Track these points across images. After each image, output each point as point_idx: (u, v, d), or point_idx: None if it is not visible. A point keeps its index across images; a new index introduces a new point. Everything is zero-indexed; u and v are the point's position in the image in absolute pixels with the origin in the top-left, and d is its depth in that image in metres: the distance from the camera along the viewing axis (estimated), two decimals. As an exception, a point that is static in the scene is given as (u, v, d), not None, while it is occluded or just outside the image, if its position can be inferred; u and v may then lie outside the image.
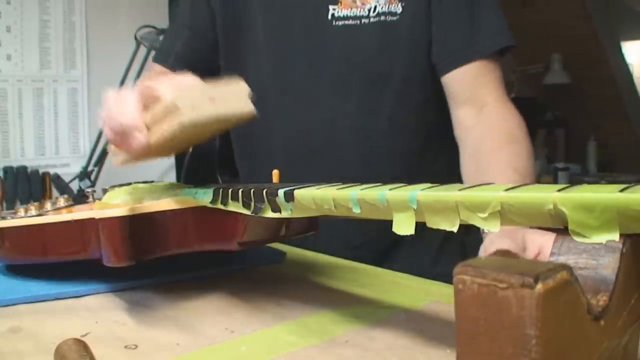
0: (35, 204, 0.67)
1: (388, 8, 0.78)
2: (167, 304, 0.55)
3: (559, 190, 0.28)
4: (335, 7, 0.80)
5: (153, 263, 0.53)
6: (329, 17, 0.79)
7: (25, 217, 0.63)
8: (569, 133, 3.46)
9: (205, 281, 0.62)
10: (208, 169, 2.32)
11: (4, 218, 0.64)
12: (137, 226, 0.50)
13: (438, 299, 0.55)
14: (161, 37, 2.12)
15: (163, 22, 2.31)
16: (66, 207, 0.67)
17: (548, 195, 0.28)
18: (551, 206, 0.28)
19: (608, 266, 0.27)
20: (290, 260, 0.71)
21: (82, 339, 0.41)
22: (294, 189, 0.43)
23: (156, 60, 0.94)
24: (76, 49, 2.31)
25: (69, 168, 2.26)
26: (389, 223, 0.36)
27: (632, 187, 0.27)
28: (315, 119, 0.82)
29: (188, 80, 0.53)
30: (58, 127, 2.30)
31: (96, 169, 2.09)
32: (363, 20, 0.79)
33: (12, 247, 0.62)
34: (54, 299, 0.57)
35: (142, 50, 2.08)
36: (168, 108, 0.48)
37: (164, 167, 2.41)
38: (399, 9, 0.78)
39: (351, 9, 0.79)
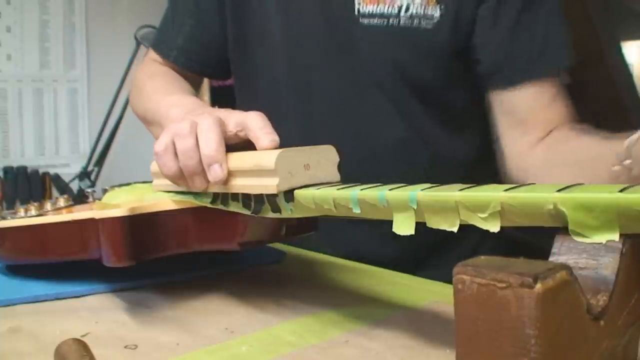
0: (35, 204, 0.67)
1: (424, 10, 0.68)
2: (167, 304, 0.55)
3: (559, 190, 0.28)
4: (360, 1, 0.70)
5: (153, 263, 0.53)
6: (356, 12, 0.70)
7: (25, 217, 0.63)
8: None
9: (205, 281, 0.62)
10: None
11: (4, 218, 0.65)
12: (137, 226, 0.50)
13: (438, 299, 0.55)
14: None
15: (163, 22, 2.30)
16: (66, 207, 0.67)
17: (548, 195, 0.28)
18: (551, 206, 0.28)
19: (608, 266, 0.27)
20: (290, 260, 0.71)
21: (82, 339, 0.41)
22: (294, 189, 0.43)
23: (156, 49, 0.87)
24: (76, 49, 2.31)
25: (69, 168, 2.26)
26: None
27: (632, 187, 0.27)
28: (343, 127, 0.73)
29: (269, 139, 0.47)
30: (58, 127, 2.30)
31: (96, 169, 2.09)
32: (392, 21, 0.69)
33: (12, 247, 0.62)
34: (54, 299, 0.57)
35: (142, 50, 2.08)
36: (263, 168, 0.45)
37: (164, 167, 2.41)
38: (437, 12, 0.68)
39: (378, 4, 0.69)
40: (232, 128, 0.49)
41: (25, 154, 2.24)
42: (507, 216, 0.30)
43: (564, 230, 0.28)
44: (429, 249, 0.78)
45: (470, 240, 0.77)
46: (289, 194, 0.43)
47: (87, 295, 0.58)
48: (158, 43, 0.87)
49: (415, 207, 0.34)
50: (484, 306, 0.23)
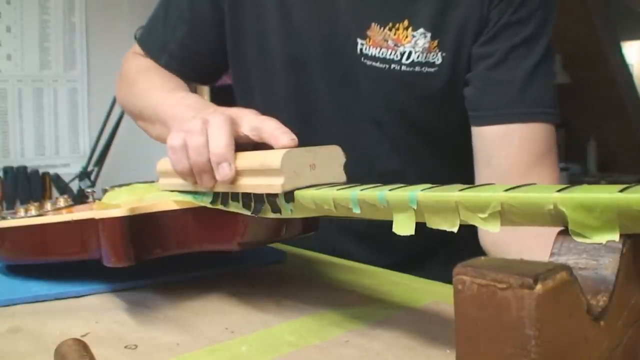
0: (35, 204, 0.67)
1: (425, 58, 0.67)
2: (167, 304, 0.55)
3: (559, 191, 0.28)
4: (363, 42, 0.69)
5: (153, 263, 0.53)
6: (358, 51, 0.70)
7: (25, 217, 0.63)
8: (569, 133, 3.46)
9: (205, 281, 0.62)
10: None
11: (4, 218, 0.64)
12: (137, 226, 0.50)
13: (438, 299, 0.55)
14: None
15: (163, 22, 2.30)
16: (66, 207, 0.67)
17: (548, 195, 0.28)
18: (551, 206, 0.28)
19: (608, 266, 0.27)
20: (290, 260, 0.71)
21: (82, 339, 0.41)
22: (294, 190, 0.43)
23: (146, 49, 0.83)
24: (76, 49, 2.31)
25: (69, 168, 2.26)
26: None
27: (632, 187, 0.27)
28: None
29: (288, 137, 0.47)
30: (58, 127, 2.30)
31: (96, 169, 2.09)
32: (393, 66, 0.68)
33: (12, 247, 0.62)
34: (54, 299, 0.57)
35: (142, 50, 2.08)
36: (269, 167, 0.44)
37: (164, 167, 2.41)
38: (439, 60, 0.68)
39: (381, 48, 0.68)
40: (245, 128, 0.49)
41: (25, 154, 2.24)
42: (507, 216, 0.30)
43: (564, 230, 0.28)
44: (422, 256, 0.78)
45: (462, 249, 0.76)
46: (289, 194, 0.43)
47: (87, 295, 0.58)
48: (148, 42, 0.84)
49: (415, 208, 0.34)
50: (484, 307, 0.23)
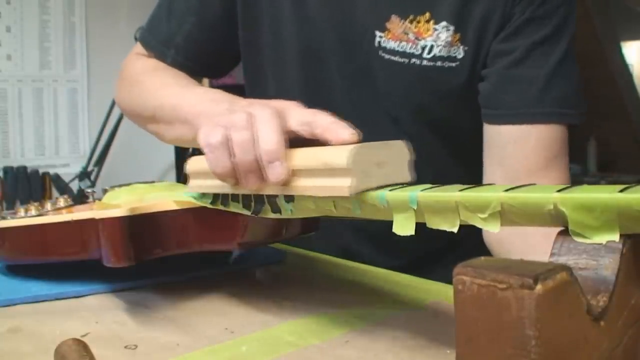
0: (35, 204, 0.67)
1: (448, 52, 0.65)
2: (167, 304, 0.55)
3: (559, 191, 0.28)
4: (382, 34, 0.67)
5: (153, 263, 0.53)
6: (376, 44, 0.67)
7: (25, 217, 0.63)
8: (569, 133, 3.46)
9: (205, 281, 0.62)
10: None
11: (4, 218, 0.64)
12: (137, 226, 0.50)
13: (438, 299, 0.55)
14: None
15: (163, 22, 2.30)
16: (66, 207, 0.67)
17: (548, 195, 0.28)
18: (551, 206, 0.28)
19: (608, 266, 0.27)
20: (290, 260, 0.71)
21: (82, 339, 0.41)
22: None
23: (149, 48, 0.79)
24: (76, 49, 2.31)
25: (69, 168, 2.26)
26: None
27: (632, 187, 0.27)
28: None
29: (349, 132, 0.42)
30: (58, 127, 2.30)
31: (96, 169, 2.09)
32: (414, 61, 0.66)
33: (12, 247, 0.62)
34: (54, 299, 0.57)
35: (142, 50, 2.08)
36: (333, 166, 0.39)
37: (164, 167, 2.42)
38: (460, 54, 0.66)
39: (400, 42, 0.66)
40: (292, 123, 0.44)
41: (25, 154, 2.24)
42: (507, 216, 0.30)
43: (564, 230, 0.28)
44: (432, 257, 0.77)
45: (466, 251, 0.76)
46: (289, 195, 0.43)
47: (87, 295, 0.58)
48: (151, 40, 0.80)
49: (415, 208, 0.34)
50: (484, 307, 0.23)
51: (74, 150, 2.32)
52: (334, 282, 0.63)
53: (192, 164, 0.50)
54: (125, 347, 0.45)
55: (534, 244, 0.51)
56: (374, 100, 0.70)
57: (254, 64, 0.78)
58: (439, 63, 0.66)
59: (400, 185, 0.38)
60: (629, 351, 0.28)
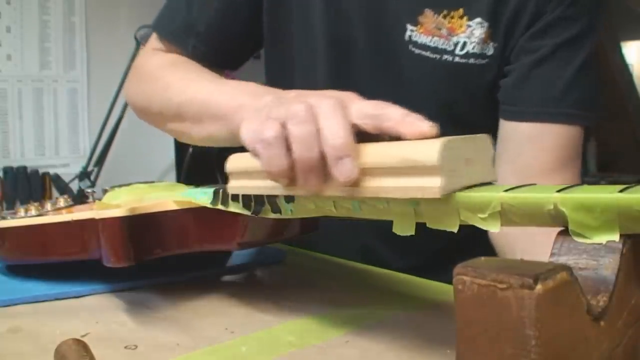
0: (35, 204, 0.67)
1: (481, 49, 0.64)
2: (167, 304, 0.55)
3: (559, 191, 0.28)
4: (413, 28, 0.65)
5: (153, 263, 0.53)
6: (406, 37, 0.65)
7: (25, 217, 0.63)
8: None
9: (205, 281, 0.62)
10: (208, 169, 2.32)
11: (4, 218, 0.64)
12: (137, 226, 0.50)
13: (439, 298, 0.55)
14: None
15: (163, 22, 2.30)
16: (66, 207, 0.67)
17: (548, 195, 0.28)
18: (551, 206, 0.28)
19: (608, 266, 0.27)
20: (290, 260, 0.71)
21: (82, 339, 0.41)
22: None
23: (168, 37, 0.74)
24: (76, 49, 2.31)
25: (69, 168, 2.26)
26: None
27: (632, 187, 0.27)
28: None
29: (427, 124, 0.37)
30: (58, 127, 2.30)
31: (96, 169, 2.09)
32: (445, 57, 0.65)
33: (12, 247, 0.62)
34: (54, 299, 0.57)
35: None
36: (417, 164, 0.33)
37: (164, 167, 2.42)
38: (490, 50, 0.65)
39: (433, 37, 0.64)
40: (355, 116, 0.40)
41: (25, 154, 2.24)
42: (507, 216, 0.30)
43: (564, 230, 0.28)
44: (448, 258, 0.77)
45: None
46: (289, 195, 0.43)
47: (87, 295, 0.58)
48: (169, 30, 0.74)
49: (415, 208, 0.34)
50: (484, 307, 0.23)
51: (74, 150, 2.33)
52: (334, 282, 0.63)
53: (234, 162, 0.45)
54: (125, 347, 0.45)
55: (539, 242, 0.50)
56: (400, 93, 0.68)
57: (279, 53, 0.75)
58: (471, 60, 0.65)
59: (487, 184, 0.34)
60: (629, 351, 0.28)
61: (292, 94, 0.46)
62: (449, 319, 0.25)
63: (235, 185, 0.46)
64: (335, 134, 0.37)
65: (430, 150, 0.33)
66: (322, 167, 0.38)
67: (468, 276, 0.24)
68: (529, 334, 0.22)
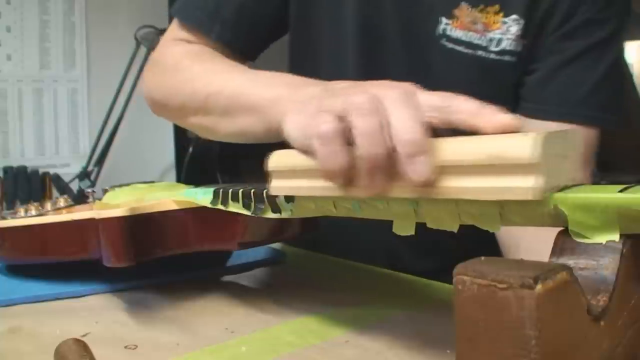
0: (35, 204, 0.67)
1: (515, 46, 0.63)
2: (167, 304, 0.55)
3: (559, 191, 0.28)
4: (448, 22, 0.64)
5: (153, 263, 0.53)
6: (439, 31, 0.64)
7: (25, 217, 0.63)
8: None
9: (205, 281, 0.62)
10: (208, 169, 2.32)
11: (4, 218, 0.64)
12: (137, 226, 0.50)
13: (438, 298, 0.55)
14: (161, 38, 2.12)
15: (163, 22, 2.30)
16: (66, 207, 0.67)
17: (548, 195, 0.28)
18: (551, 206, 0.28)
19: (608, 266, 0.27)
20: (290, 260, 0.71)
21: (82, 339, 0.41)
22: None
23: (192, 22, 0.69)
24: (76, 49, 2.31)
25: (69, 168, 2.26)
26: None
27: (632, 187, 0.27)
28: None
29: (509, 116, 0.34)
30: (58, 127, 2.30)
31: (96, 169, 2.09)
32: (479, 53, 0.63)
33: (12, 247, 0.62)
34: (54, 299, 0.57)
35: (142, 50, 2.08)
36: (508, 161, 0.29)
37: (164, 167, 2.42)
38: (520, 48, 0.63)
39: (468, 31, 0.63)
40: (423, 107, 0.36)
41: (25, 154, 2.24)
42: (507, 216, 0.30)
43: (564, 230, 0.28)
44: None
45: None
46: (289, 195, 0.43)
47: (87, 295, 0.58)
48: (193, 16, 0.69)
49: (415, 208, 0.34)
50: (484, 307, 0.23)
51: (74, 150, 2.32)
52: (334, 282, 0.63)
53: (277, 160, 0.41)
54: (125, 347, 0.45)
55: (545, 239, 0.50)
56: (429, 87, 0.69)
57: (306, 41, 0.72)
58: (506, 57, 0.64)
59: (579, 185, 0.30)
60: (629, 351, 0.28)
61: (343, 84, 0.42)
62: (449, 319, 0.25)
63: (278, 186, 0.41)
64: (408, 128, 0.33)
65: (525, 145, 0.28)
66: (389, 166, 0.34)
67: (468, 276, 0.24)
68: (529, 334, 0.22)
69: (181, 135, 2.33)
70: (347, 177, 0.35)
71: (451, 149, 0.32)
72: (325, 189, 0.37)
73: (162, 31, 2.19)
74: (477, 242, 0.77)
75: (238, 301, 0.56)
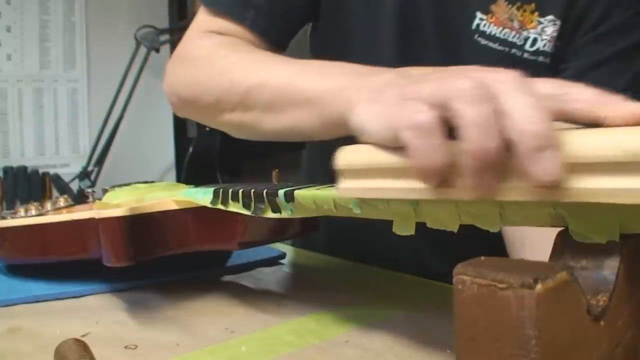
0: (35, 204, 0.67)
1: (549, 47, 0.62)
2: (167, 304, 0.55)
3: (559, 191, 0.28)
4: (484, 17, 0.62)
5: (153, 263, 0.53)
6: (473, 26, 0.62)
7: (25, 217, 0.63)
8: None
9: (205, 281, 0.62)
10: (208, 169, 2.32)
11: (4, 218, 0.64)
12: (137, 226, 0.50)
13: (438, 298, 0.55)
14: (161, 38, 2.13)
15: (163, 22, 2.31)
16: (66, 207, 0.67)
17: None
18: (551, 206, 0.28)
19: (608, 266, 0.27)
20: (290, 260, 0.71)
21: (82, 339, 0.41)
22: (294, 190, 0.43)
23: (224, 9, 0.63)
24: (76, 49, 2.31)
25: (68, 168, 2.27)
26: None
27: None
28: None
29: (633, 104, 0.29)
30: (58, 127, 2.30)
31: (96, 169, 2.09)
32: (513, 51, 0.62)
33: (12, 247, 0.62)
34: (54, 299, 0.57)
35: (142, 50, 2.08)
36: (624, 158, 0.24)
37: (164, 167, 2.42)
38: (552, 49, 0.62)
39: (503, 28, 0.62)
40: None
41: (25, 154, 2.24)
42: (507, 216, 0.30)
43: (564, 230, 0.28)
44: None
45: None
46: (289, 194, 0.43)
47: (87, 295, 0.58)
48: (222, 4, 0.64)
49: (415, 207, 0.34)
50: (484, 307, 0.23)
51: (74, 150, 2.33)
52: (334, 282, 0.63)
53: (348, 157, 0.35)
54: (125, 347, 0.45)
55: (550, 235, 0.50)
56: None
57: (337, 32, 0.69)
58: (540, 58, 0.62)
59: None
60: (629, 351, 0.28)
61: (421, 70, 0.37)
62: (449, 319, 0.25)
63: (350, 187, 0.35)
64: (531, 118, 0.27)
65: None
66: (501, 162, 0.28)
67: (468, 276, 0.24)
68: (529, 334, 0.22)
69: (181, 135, 2.33)
70: (442, 175, 0.30)
71: (579, 142, 0.26)
72: (414, 191, 0.32)
73: (162, 31, 2.20)
74: (501, 244, 0.76)
75: (238, 301, 0.56)
